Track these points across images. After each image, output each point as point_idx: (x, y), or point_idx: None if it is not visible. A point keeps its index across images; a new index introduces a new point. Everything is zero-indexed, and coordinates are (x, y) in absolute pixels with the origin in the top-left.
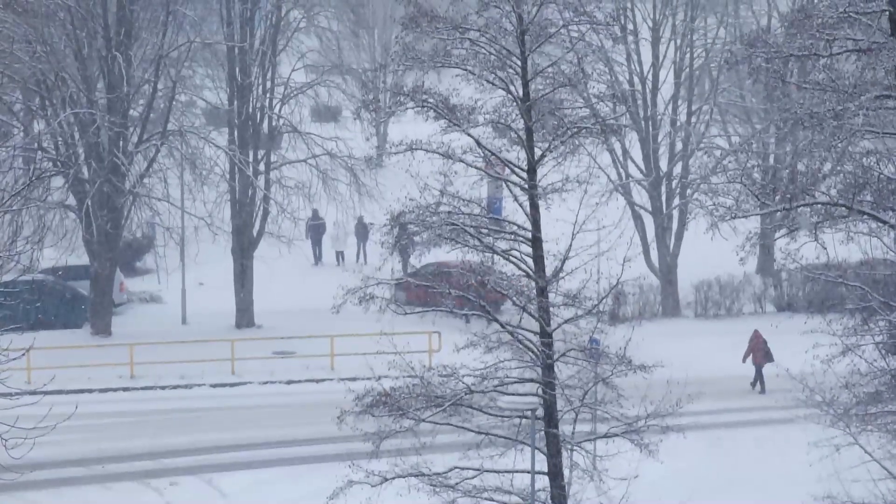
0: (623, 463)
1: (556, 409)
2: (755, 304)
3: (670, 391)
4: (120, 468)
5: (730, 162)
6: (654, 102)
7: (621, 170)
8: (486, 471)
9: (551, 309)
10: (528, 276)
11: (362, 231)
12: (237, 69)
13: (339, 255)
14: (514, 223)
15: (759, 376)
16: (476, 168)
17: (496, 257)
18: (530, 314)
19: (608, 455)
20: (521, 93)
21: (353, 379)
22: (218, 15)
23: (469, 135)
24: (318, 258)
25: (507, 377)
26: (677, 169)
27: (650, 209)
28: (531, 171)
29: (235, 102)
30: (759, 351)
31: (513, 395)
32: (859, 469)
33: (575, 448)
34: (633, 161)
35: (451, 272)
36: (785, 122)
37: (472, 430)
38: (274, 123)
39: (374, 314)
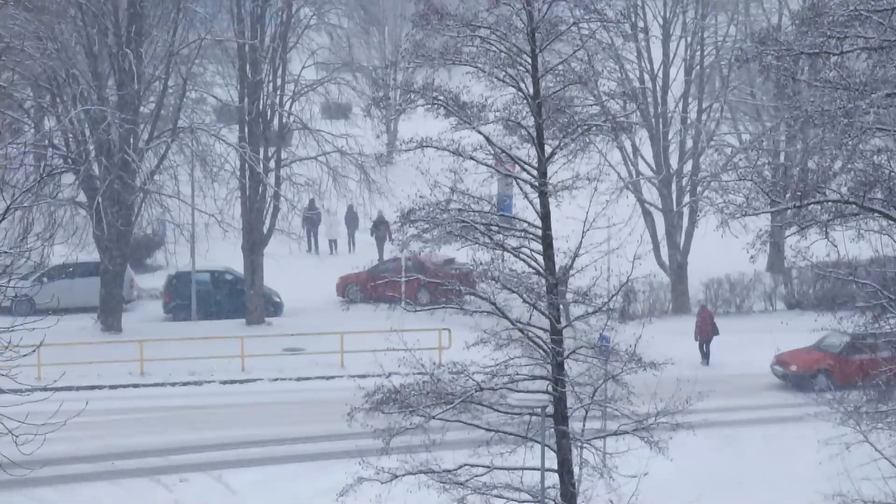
0: (633, 460)
1: (566, 407)
2: (765, 302)
3: (680, 389)
4: (129, 465)
5: (740, 160)
6: (665, 100)
7: (632, 167)
8: (496, 468)
9: (561, 306)
10: (538, 273)
11: (352, 219)
12: (248, 66)
13: (333, 244)
14: (524, 220)
15: (706, 350)
16: (486, 165)
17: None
18: (540, 311)
19: (618, 452)
20: (531, 90)
21: (363, 376)
22: (228, 12)
23: (479, 132)
24: (313, 246)
25: (518, 374)
26: (688, 166)
27: (660, 207)
28: (541, 168)
29: (246, 99)
30: (706, 326)
31: (523, 392)
32: (869, 467)
33: (585, 445)
34: (644, 159)
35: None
36: (795, 120)
37: (482, 428)
38: (284, 120)
39: (383, 311)
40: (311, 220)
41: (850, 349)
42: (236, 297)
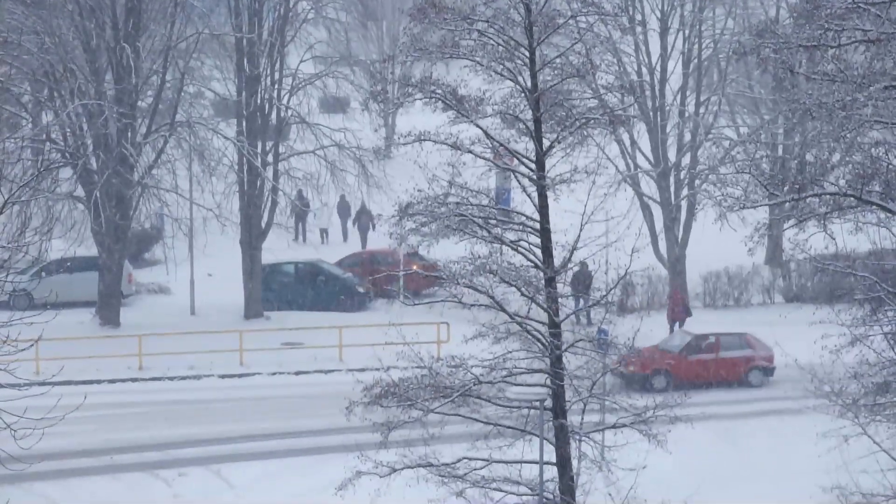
0: (631, 453)
1: (564, 400)
2: (763, 295)
3: None
4: (128, 459)
5: (738, 153)
6: (663, 93)
7: (629, 160)
8: (495, 461)
9: (560, 299)
10: (536, 266)
11: (345, 209)
12: (245, 60)
13: (324, 234)
14: (522, 214)
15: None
16: (484, 159)
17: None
18: (539, 304)
19: (616, 445)
20: (529, 84)
21: (362, 370)
22: (226, 6)
23: (477, 126)
24: (300, 237)
25: (516, 368)
26: (686, 160)
27: (658, 200)
28: (539, 161)
29: (244, 93)
30: (678, 308)
31: (521, 385)
32: (868, 459)
33: (583, 438)
34: (642, 152)
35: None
36: (793, 113)
37: (481, 421)
38: (282, 114)
39: (382, 305)
40: (300, 211)
41: (689, 349)
42: (325, 289)
